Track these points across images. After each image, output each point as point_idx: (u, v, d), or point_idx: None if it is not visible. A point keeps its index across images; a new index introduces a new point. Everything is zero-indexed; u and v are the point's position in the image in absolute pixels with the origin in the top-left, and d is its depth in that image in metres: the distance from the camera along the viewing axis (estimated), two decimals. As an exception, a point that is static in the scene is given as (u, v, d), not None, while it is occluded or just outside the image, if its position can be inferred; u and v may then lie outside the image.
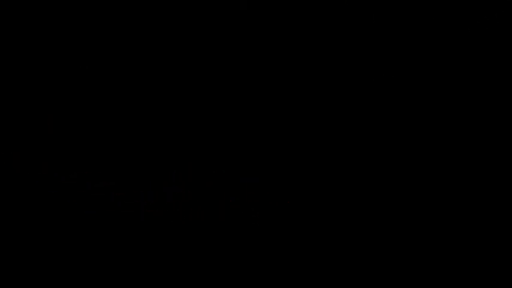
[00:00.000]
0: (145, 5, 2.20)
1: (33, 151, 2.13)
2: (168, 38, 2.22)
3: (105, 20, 2.20)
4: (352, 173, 2.15)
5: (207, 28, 2.22)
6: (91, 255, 2.03)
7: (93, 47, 2.21)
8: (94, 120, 2.18)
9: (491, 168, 2.12)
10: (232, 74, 2.22)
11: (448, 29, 2.19)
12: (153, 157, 2.15)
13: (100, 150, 2.15)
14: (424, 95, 2.18)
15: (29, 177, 2.09)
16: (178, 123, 2.19)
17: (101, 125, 2.17)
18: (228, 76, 2.22)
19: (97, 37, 2.21)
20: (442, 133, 2.16)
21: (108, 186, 2.10)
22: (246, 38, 2.23)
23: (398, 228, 2.08)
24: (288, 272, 2.03)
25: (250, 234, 2.07)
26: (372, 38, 2.20)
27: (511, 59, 2.15)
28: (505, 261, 2.01)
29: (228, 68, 2.23)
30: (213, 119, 2.20)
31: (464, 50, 2.18)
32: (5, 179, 2.09)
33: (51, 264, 2.01)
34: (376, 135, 2.17)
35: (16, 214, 2.06)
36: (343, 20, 2.20)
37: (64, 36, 2.20)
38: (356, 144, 2.17)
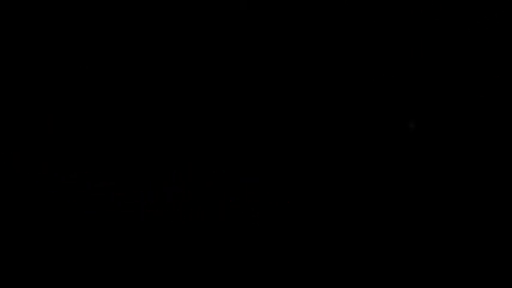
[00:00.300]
0: (145, 5, 2.20)
1: (33, 151, 2.12)
2: (167, 38, 2.22)
3: (105, 20, 2.20)
4: (352, 173, 2.15)
5: (206, 28, 2.22)
6: (91, 255, 2.03)
7: (93, 47, 2.21)
8: (94, 120, 2.17)
9: (491, 168, 2.12)
10: (232, 74, 2.22)
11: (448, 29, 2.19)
12: (153, 157, 2.15)
13: (100, 150, 2.15)
14: (423, 95, 2.18)
15: (29, 177, 2.09)
16: (178, 123, 2.18)
17: (101, 125, 2.17)
18: (227, 76, 2.22)
19: (97, 37, 2.21)
20: (442, 133, 2.16)
21: (108, 186, 2.10)
22: (245, 38, 2.23)
23: (399, 228, 2.08)
24: (288, 272, 2.03)
25: (250, 234, 2.07)
26: (372, 38, 2.20)
27: (510, 59, 2.15)
28: (505, 261, 2.01)
29: (228, 68, 2.23)
30: (212, 119, 2.19)
31: (464, 50, 2.18)
32: (5, 179, 2.08)
33: (51, 264, 2.01)
34: (376, 135, 2.17)
35: (16, 214, 2.06)
36: (343, 20, 2.20)
37: (64, 36, 2.20)
38: (356, 144, 2.17)
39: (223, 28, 2.22)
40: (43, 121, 2.15)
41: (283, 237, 2.07)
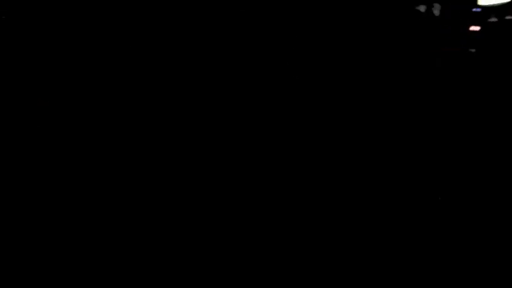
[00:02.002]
0: (145, 5, 2.22)
1: (33, 151, 2.12)
2: (167, 38, 2.23)
3: (105, 19, 2.21)
4: (352, 173, 2.15)
5: (207, 29, 2.24)
6: (91, 255, 2.02)
7: (93, 47, 2.21)
8: (93, 119, 2.18)
9: (490, 168, 2.13)
10: (232, 74, 2.23)
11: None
12: (153, 157, 2.15)
13: (100, 150, 2.15)
14: (423, 96, 2.19)
15: (28, 176, 2.09)
16: (177, 123, 2.19)
17: (101, 125, 2.17)
18: (227, 76, 2.23)
19: (97, 37, 2.22)
20: (441, 133, 2.17)
21: (108, 186, 2.10)
22: (245, 39, 2.24)
23: (398, 228, 2.09)
24: (288, 272, 2.03)
25: (250, 234, 2.07)
26: (371, 38, 2.22)
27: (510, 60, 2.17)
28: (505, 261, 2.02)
29: (228, 68, 2.24)
30: (212, 118, 2.20)
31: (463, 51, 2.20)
32: (4, 178, 2.08)
33: (51, 265, 2.01)
34: (375, 135, 2.18)
35: (16, 214, 2.05)
36: (342, 20, 2.22)
37: (64, 36, 2.21)
38: (356, 144, 2.18)
39: (223, 29, 2.24)
40: (42, 120, 2.15)
41: (283, 237, 2.07)
